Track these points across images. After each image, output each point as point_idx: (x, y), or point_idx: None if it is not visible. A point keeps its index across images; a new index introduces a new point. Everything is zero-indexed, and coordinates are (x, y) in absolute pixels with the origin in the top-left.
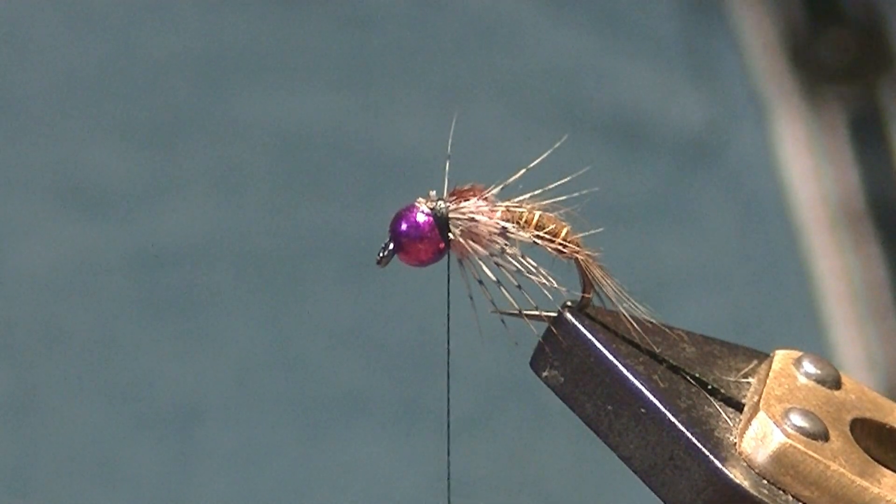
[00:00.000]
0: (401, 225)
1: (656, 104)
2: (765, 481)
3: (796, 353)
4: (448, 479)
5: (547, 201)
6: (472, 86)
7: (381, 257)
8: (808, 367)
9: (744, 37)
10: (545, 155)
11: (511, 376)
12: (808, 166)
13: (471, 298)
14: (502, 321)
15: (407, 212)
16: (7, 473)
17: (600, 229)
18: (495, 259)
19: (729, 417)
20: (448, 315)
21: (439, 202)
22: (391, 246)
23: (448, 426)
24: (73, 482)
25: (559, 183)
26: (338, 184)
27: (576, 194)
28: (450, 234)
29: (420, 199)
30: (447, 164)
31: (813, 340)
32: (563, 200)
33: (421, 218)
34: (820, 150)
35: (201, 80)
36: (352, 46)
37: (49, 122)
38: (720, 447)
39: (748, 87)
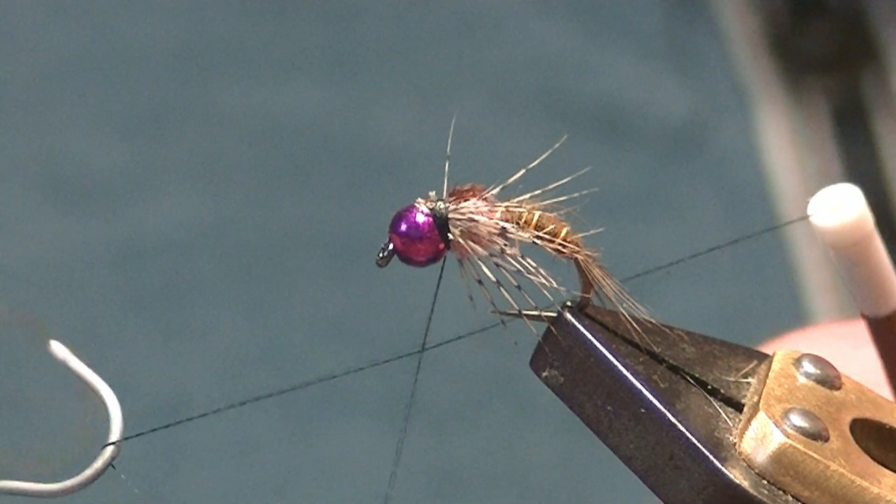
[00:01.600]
0: (400, 225)
1: (639, 96)
2: (764, 481)
3: (796, 353)
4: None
5: (547, 202)
6: (456, 79)
7: (381, 258)
8: (808, 367)
9: (726, 28)
10: (544, 156)
11: (498, 371)
12: (791, 157)
13: (471, 298)
14: (502, 322)
15: (406, 212)
16: None
17: (601, 229)
18: (495, 259)
19: (729, 418)
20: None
21: (439, 203)
22: (391, 246)
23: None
24: (56, 478)
25: (560, 183)
26: (322, 176)
27: (576, 195)
28: (449, 235)
29: (419, 200)
30: (447, 164)
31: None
32: (563, 200)
33: (420, 218)
34: (803, 141)
35: (186, 70)
36: (337, 39)
37: (31, 112)
38: (720, 447)
39: (731, 78)
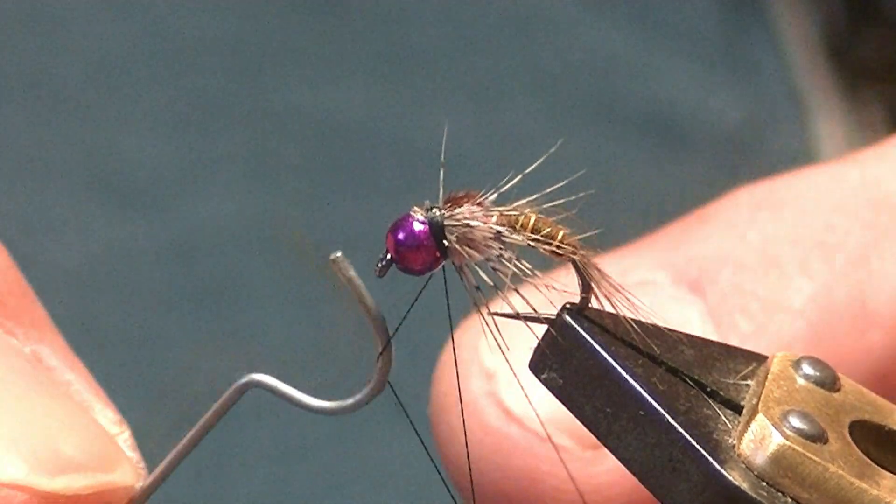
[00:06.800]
0: (397, 235)
1: (694, 101)
2: (764, 483)
3: (795, 356)
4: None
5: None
6: (508, 81)
7: (380, 267)
8: (807, 369)
9: (783, 34)
10: (541, 159)
11: None
12: None
13: (474, 304)
14: (495, 325)
15: (403, 221)
16: None
17: (598, 230)
18: (492, 264)
19: (728, 419)
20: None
21: (434, 210)
22: (388, 256)
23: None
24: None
25: (558, 185)
26: (371, 175)
27: (573, 197)
28: (445, 242)
29: (415, 208)
30: (441, 172)
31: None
32: (561, 203)
33: (417, 227)
34: (858, 148)
35: (237, 67)
36: (389, 39)
37: (81, 109)
38: (719, 449)
39: (787, 84)
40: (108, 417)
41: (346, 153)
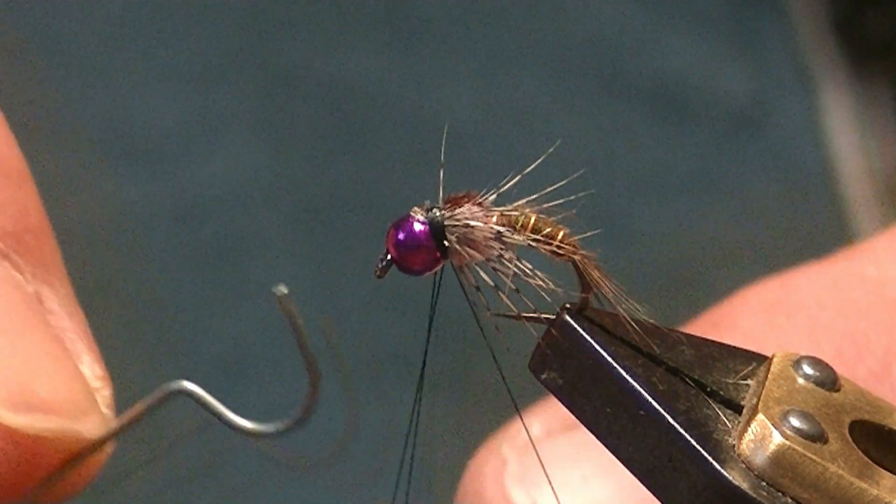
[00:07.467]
0: (398, 235)
1: (701, 76)
2: (764, 483)
3: (795, 356)
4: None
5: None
6: (516, 53)
7: (380, 268)
8: (807, 369)
9: (790, 9)
10: (540, 159)
11: None
12: (853, 139)
13: (472, 304)
14: (495, 326)
15: (403, 222)
16: None
17: (598, 230)
18: (492, 264)
19: (728, 419)
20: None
21: (434, 210)
22: (389, 257)
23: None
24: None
25: (558, 185)
26: (380, 142)
27: (572, 197)
28: (445, 242)
29: (416, 209)
30: (440, 172)
31: None
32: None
33: (417, 227)
34: (866, 124)
35: (248, 27)
36: (401, 8)
37: (90, 69)
38: (719, 449)
39: (794, 59)
40: (93, 371)
41: (355, 118)
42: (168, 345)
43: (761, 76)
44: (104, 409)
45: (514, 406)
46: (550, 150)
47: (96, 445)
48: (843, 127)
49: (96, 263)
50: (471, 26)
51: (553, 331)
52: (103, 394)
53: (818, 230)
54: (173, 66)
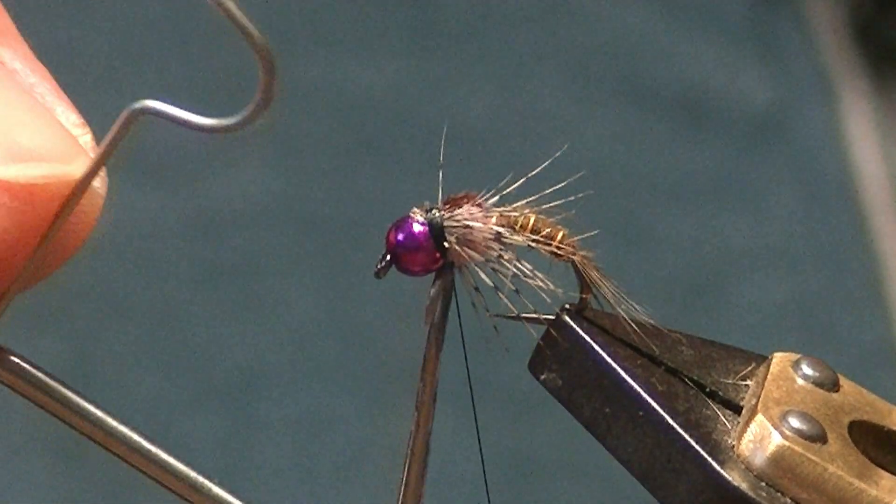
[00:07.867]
0: (397, 236)
1: (722, 82)
2: (763, 483)
3: (794, 356)
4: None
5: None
6: (536, 60)
7: (379, 269)
8: (806, 369)
9: (810, 15)
10: (546, 163)
11: None
12: (874, 146)
13: (473, 305)
14: (494, 327)
15: (402, 223)
16: (64, 442)
17: (596, 231)
18: (492, 265)
19: (727, 420)
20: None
21: (433, 211)
22: (388, 257)
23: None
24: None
25: (558, 186)
26: (398, 153)
27: (572, 198)
28: (445, 243)
29: (415, 210)
30: (440, 173)
31: (878, 322)
32: (561, 203)
33: (416, 228)
34: (886, 130)
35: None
36: (418, 17)
37: (106, 81)
38: (718, 449)
39: (814, 65)
40: (70, 119)
41: (373, 129)
42: (183, 358)
43: (782, 83)
44: (90, 153)
45: (473, 408)
46: (556, 154)
47: (84, 184)
48: (864, 134)
49: (113, 278)
50: (490, 34)
51: (552, 331)
52: (84, 139)
53: (838, 237)
54: (189, 81)
